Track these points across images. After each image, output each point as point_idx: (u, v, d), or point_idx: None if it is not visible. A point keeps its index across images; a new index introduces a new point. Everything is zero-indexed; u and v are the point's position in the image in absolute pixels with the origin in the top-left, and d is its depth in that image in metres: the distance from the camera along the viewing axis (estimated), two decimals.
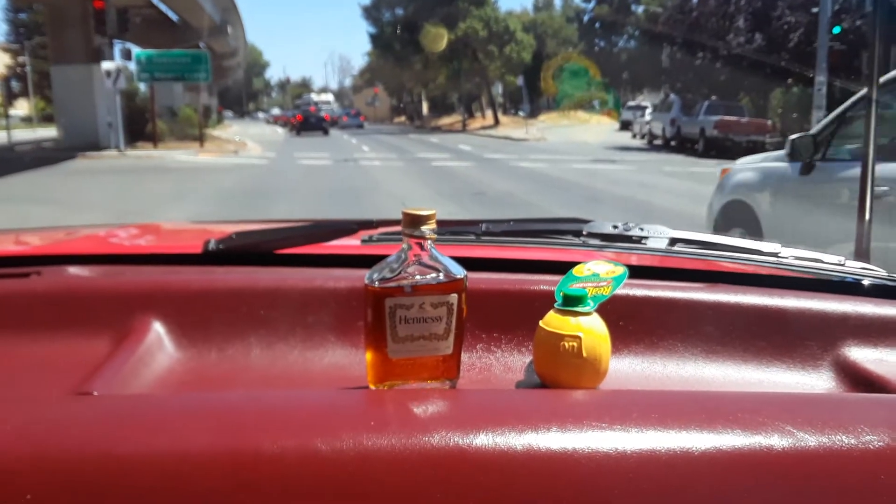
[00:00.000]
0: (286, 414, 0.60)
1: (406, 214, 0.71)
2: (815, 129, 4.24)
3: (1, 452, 0.54)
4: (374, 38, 46.20)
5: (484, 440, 0.55)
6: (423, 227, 0.71)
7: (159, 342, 0.84)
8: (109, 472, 0.52)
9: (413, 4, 40.10)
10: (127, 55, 19.97)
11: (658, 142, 24.03)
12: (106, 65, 18.30)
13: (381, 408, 0.63)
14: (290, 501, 0.53)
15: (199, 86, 50.70)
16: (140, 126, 21.78)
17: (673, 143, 22.39)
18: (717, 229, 4.68)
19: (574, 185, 11.89)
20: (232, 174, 14.54)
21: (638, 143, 26.17)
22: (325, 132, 35.23)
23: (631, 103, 40.91)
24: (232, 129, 44.14)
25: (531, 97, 40.77)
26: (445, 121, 51.54)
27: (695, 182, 11.42)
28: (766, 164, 4.63)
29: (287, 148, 24.53)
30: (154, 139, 21.35)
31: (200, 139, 22.08)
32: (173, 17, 34.25)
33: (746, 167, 4.85)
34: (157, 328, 0.85)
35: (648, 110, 36.04)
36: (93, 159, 17.56)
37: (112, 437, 0.55)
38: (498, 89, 42.16)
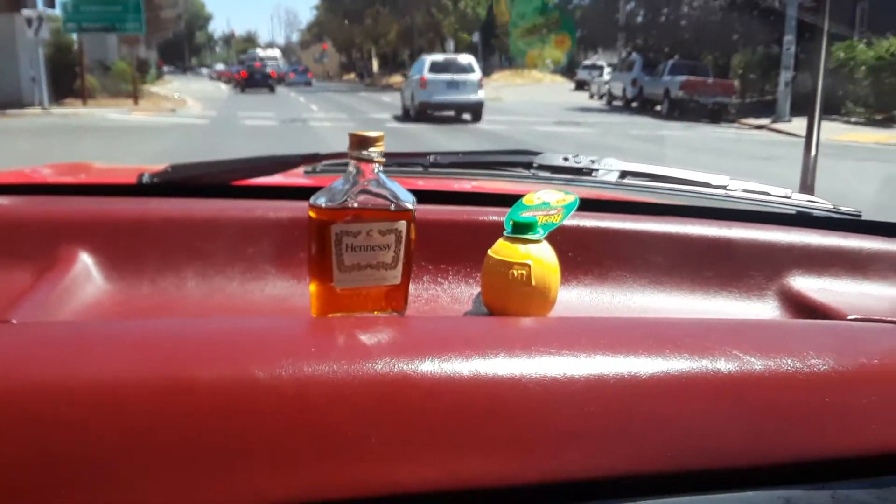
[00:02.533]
0: (221, 341, 0.58)
1: (353, 136, 0.69)
2: None
3: None
4: None
5: (430, 367, 0.54)
6: (371, 150, 0.68)
7: (87, 273, 0.81)
8: (27, 399, 0.49)
9: None
10: (51, 3, 18.16)
11: (618, 103, 23.34)
12: (26, 12, 16.54)
13: (323, 335, 0.62)
14: (225, 431, 0.50)
15: (136, 38, 48.50)
16: (68, 81, 20.10)
17: (634, 104, 21.72)
18: None
19: (541, 150, 11.04)
20: (168, 135, 13.25)
21: (596, 104, 25.47)
22: (272, 90, 33.56)
23: (586, 62, 40.25)
24: (172, 86, 42.09)
25: (485, 55, 39.62)
26: (397, 79, 49.77)
27: (667, 147, 10.71)
28: None
29: (230, 106, 23.07)
30: (83, 95, 19.71)
31: (135, 96, 20.46)
32: None
33: None
34: (85, 259, 0.83)
35: (606, 70, 35.59)
36: (12, 117, 15.98)
37: (31, 363, 0.52)
38: (450, 46, 40.89)
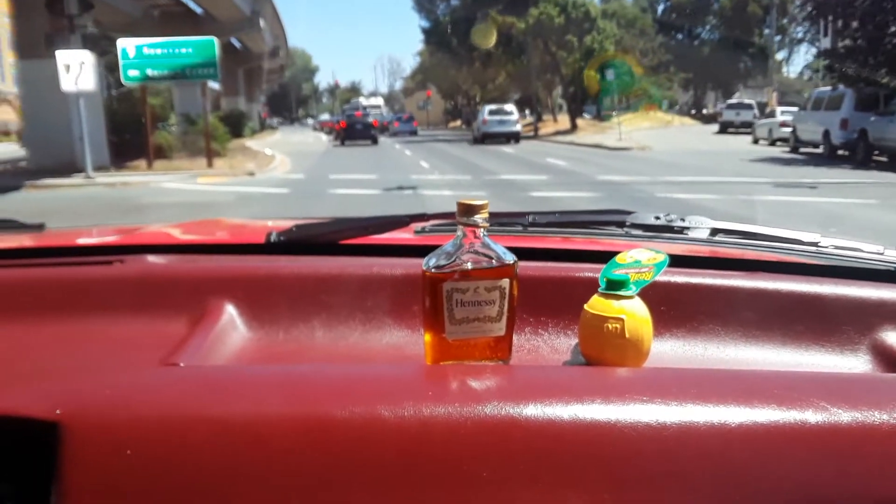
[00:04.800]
0: (352, 384, 0.65)
1: (461, 204, 0.74)
2: None
3: (103, 414, 0.60)
4: (428, 33, 40.82)
5: (533, 411, 0.59)
6: (477, 217, 0.74)
7: (232, 323, 0.89)
8: (198, 432, 0.58)
9: None
10: (93, 45, 14.70)
11: (817, 150, 17.91)
12: (62, 56, 12.99)
13: (439, 381, 0.68)
14: (356, 462, 0.57)
15: (234, 89, 46.52)
16: (137, 140, 16.82)
17: (842, 151, 16.31)
18: None
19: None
20: (228, 214, 9.08)
21: (774, 151, 20.11)
22: (374, 141, 29.82)
23: (731, 101, 34.76)
24: (271, 138, 39.59)
25: (599, 97, 34.81)
26: None
27: None
28: None
29: (324, 164, 19.22)
30: (148, 157, 16.21)
31: (209, 157, 16.79)
32: (197, 10, 29.49)
33: None
34: (230, 310, 0.91)
35: (755, 110, 30.20)
36: (43, 189, 12.51)
37: (199, 401, 0.61)
38: (557, 89, 36.55)
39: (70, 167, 13.86)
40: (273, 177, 15.36)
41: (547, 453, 0.58)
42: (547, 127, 35.71)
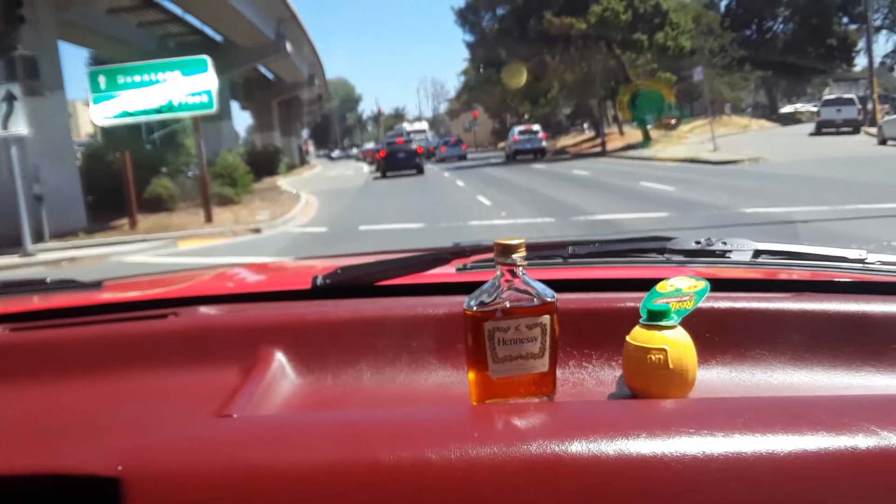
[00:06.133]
0: (399, 428, 0.66)
1: (498, 244, 0.76)
2: None
3: (163, 469, 0.62)
4: (473, 47, 37.21)
5: (579, 448, 0.60)
6: (514, 256, 0.75)
7: (282, 370, 0.91)
8: (255, 483, 0.60)
9: None
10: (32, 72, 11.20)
11: None
12: None
13: (483, 421, 0.69)
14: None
15: (270, 120, 43.48)
16: (138, 189, 13.47)
17: None
18: None
19: None
20: None
21: None
22: (419, 170, 26.10)
23: (829, 97, 30.03)
24: (310, 173, 36.53)
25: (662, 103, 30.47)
26: (565, 142, 41.62)
27: None
28: None
29: (357, 206, 15.54)
30: (131, 216, 12.70)
31: (207, 211, 13.10)
32: (216, 37, 26.42)
33: None
34: (280, 358, 0.93)
35: (857, 104, 25.82)
36: None
37: (254, 452, 0.63)
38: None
39: (12, 240, 10.31)
40: (285, 233, 11.66)
41: (593, 490, 0.58)
42: (613, 141, 31.39)
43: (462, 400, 0.80)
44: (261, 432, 0.68)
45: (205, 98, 12.57)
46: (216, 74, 12.51)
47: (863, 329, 0.87)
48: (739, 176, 14.49)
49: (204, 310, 1.15)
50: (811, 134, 27.00)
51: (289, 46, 28.37)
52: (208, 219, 12.91)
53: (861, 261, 1.10)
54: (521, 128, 33.78)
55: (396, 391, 0.87)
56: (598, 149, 30.20)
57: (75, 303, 1.27)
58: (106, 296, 1.34)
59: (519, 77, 30.26)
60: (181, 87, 12.40)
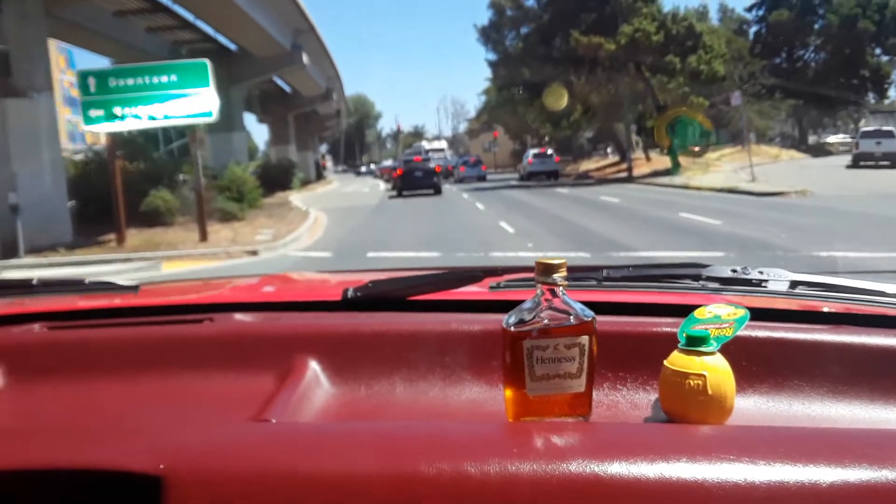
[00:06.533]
0: (437, 441, 0.66)
1: (539, 263, 0.76)
2: None
3: (204, 469, 0.62)
4: (495, 66, 36.12)
5: (618, 469, 0.59)
6: (555, 275, 0.75)
7: (316, 379, 0.92)
8: (294, 488, 0.60)
9: (553, 8, 29.26)
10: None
11: None
12: None
13: (522, 438, 0.68)
14: None
15: (286, 134, 42.54)
16: (134, 200, 12.46)
17: None
18: None
19: None
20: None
21: None
22: (436, 190, 24.96)
23: (866, 128, 28.67)
24: (325, 188, 35.48)
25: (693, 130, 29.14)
26: (588, 166, 40.37)
27: None
28: None
29: (368, 227, 14.37)
30: (119, 231, 11.58)
31: (201, 226, 11.94)
32: (231, 46, 25.49)
33: None
34: (314, 366, 0.93)
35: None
36: None
37: (294, 458, 0.64)
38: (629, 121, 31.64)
39: None
40: (284, 256, 10.49)
41: None
42: (640, 167, 30.08)
43: (496, 416, 0.80)
44: (299, 438, 0.69)
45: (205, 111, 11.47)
46: (228, 83, 11.49)
47: None
48: (790, 210, 13.15)
49: (239, 316, 1.17)
50: (848, 166, 25.61)
51: (305, 58, 27.39)
52: (203, 237, 11.77)
53: None
54: (536, 150, 36.00)
55: (430, 405, 0.87)
56: (624, 174, 28.84)
57: (113, 305, 1.30)
58: (143, 299, 1.33)
59: (560, 100, 28.43)
60: (177, 93, 11.31)
